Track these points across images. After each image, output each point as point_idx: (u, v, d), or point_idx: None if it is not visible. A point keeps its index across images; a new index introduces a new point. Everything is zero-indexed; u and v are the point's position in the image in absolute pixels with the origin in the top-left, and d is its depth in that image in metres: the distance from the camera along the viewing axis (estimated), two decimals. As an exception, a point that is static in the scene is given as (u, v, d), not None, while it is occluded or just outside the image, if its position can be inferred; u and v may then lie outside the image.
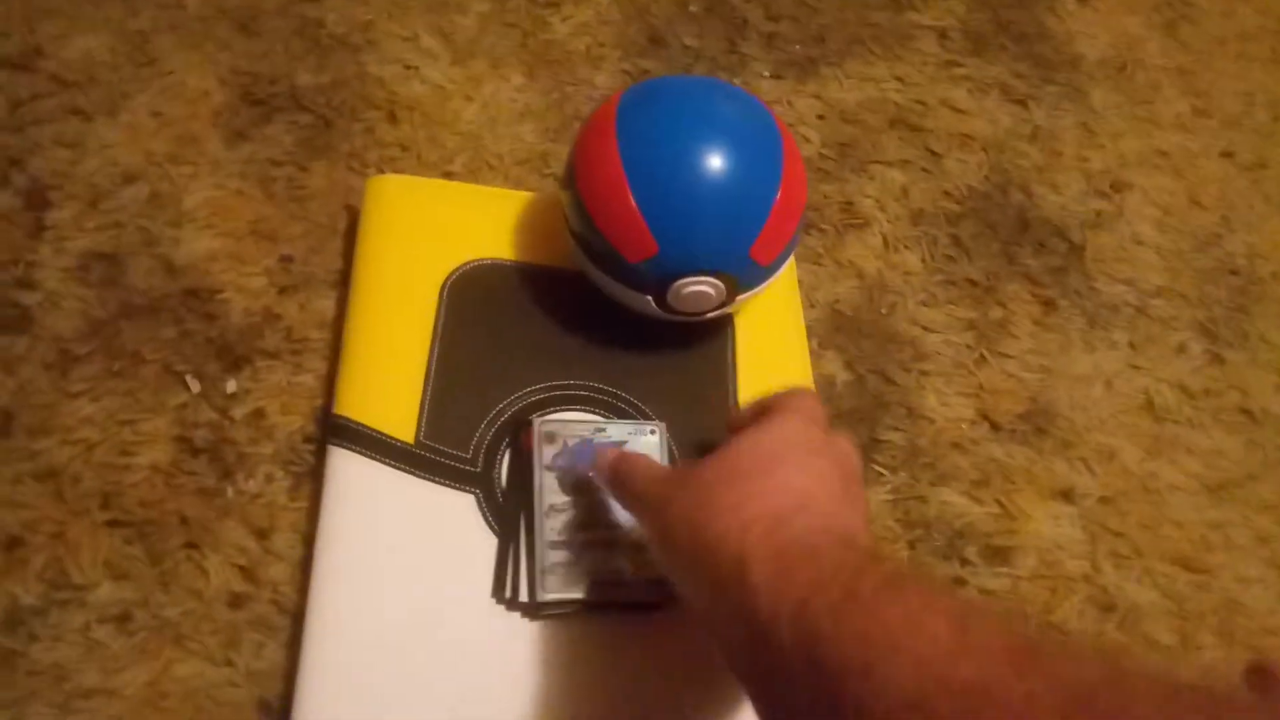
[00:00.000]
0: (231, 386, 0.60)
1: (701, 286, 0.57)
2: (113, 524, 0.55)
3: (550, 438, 0.58)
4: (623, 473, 0.52)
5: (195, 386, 0.60)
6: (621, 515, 0.56)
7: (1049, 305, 0.74)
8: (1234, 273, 0.79)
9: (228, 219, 0.67)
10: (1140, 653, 0.62)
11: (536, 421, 0.58)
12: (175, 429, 0.59)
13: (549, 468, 0.57)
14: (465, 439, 0.57)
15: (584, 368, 0.61)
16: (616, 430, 0.59)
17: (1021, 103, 0.85)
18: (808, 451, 0.47)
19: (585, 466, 0.57)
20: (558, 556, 0.55)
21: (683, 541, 0.44)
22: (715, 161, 0.55)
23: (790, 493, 0.44)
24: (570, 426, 0.59)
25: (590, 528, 0.56)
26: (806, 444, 0.47)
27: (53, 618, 0.52)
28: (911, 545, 0.63)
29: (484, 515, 0.55)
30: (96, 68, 0.73)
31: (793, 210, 0.59)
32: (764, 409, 0.52)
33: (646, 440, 0.59)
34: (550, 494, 0.57)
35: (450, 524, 0.55)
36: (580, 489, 0.57)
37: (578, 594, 0.54)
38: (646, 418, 0.61)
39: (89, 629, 0.52)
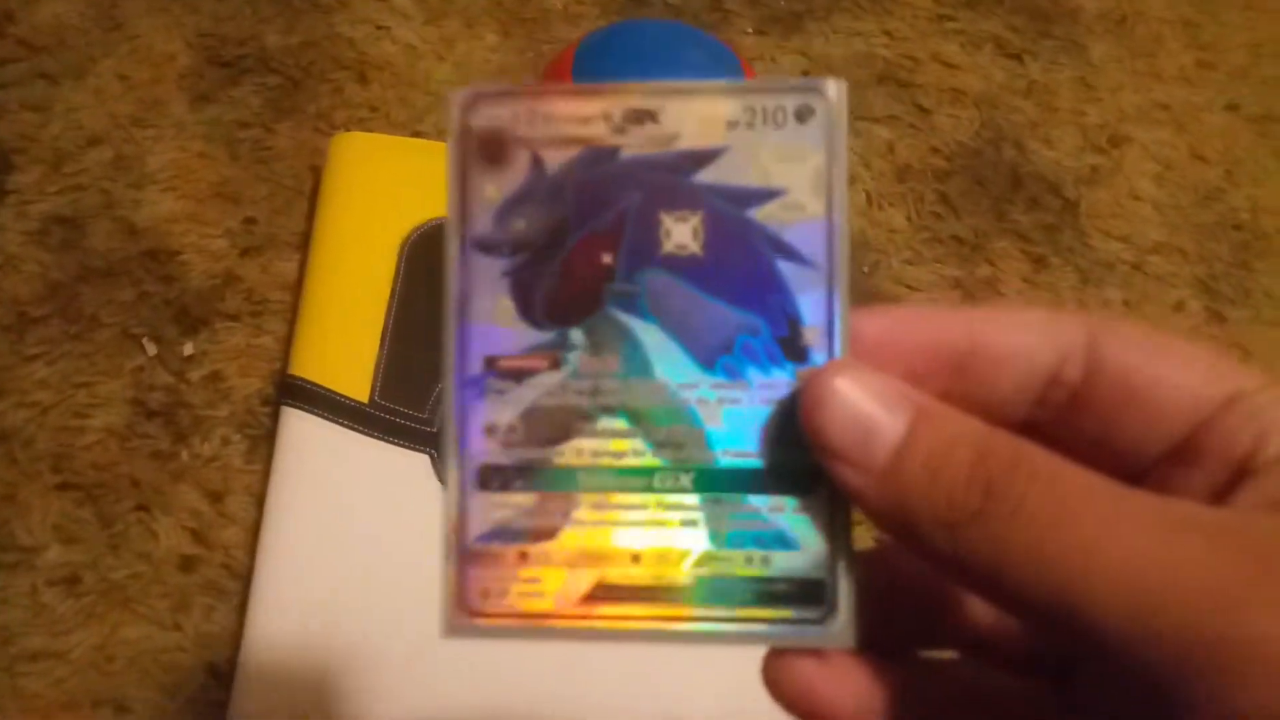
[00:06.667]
0: (189, 349, 0.59)
1: (664, 240, 0.55)
2: (63, 487, 0.54)
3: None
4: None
5: (152, 349, 0.59)
6: None
7: (1040, 263, 0.71)
8: (1237, 228, 0.76)
9: (190, 181, 0.66)
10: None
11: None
12: (130, 392, 0.57)
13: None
14: (421, 398, 0.56)
15: (548, 326, 0.60)
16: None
17: (1016, 57, 0.82)
18: None
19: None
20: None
21: None
22: (675, 109, 0.53)
23: None
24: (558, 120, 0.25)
25: None
26: None
27: (0, 581, 0.51)
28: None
29: (438, 475, 0.54)
30: (66, 32, 0.72)
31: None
32: None
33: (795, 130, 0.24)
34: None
35: (404, 484, 0.53)
36: None
37: None
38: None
39: (37, 591, 0.51)
